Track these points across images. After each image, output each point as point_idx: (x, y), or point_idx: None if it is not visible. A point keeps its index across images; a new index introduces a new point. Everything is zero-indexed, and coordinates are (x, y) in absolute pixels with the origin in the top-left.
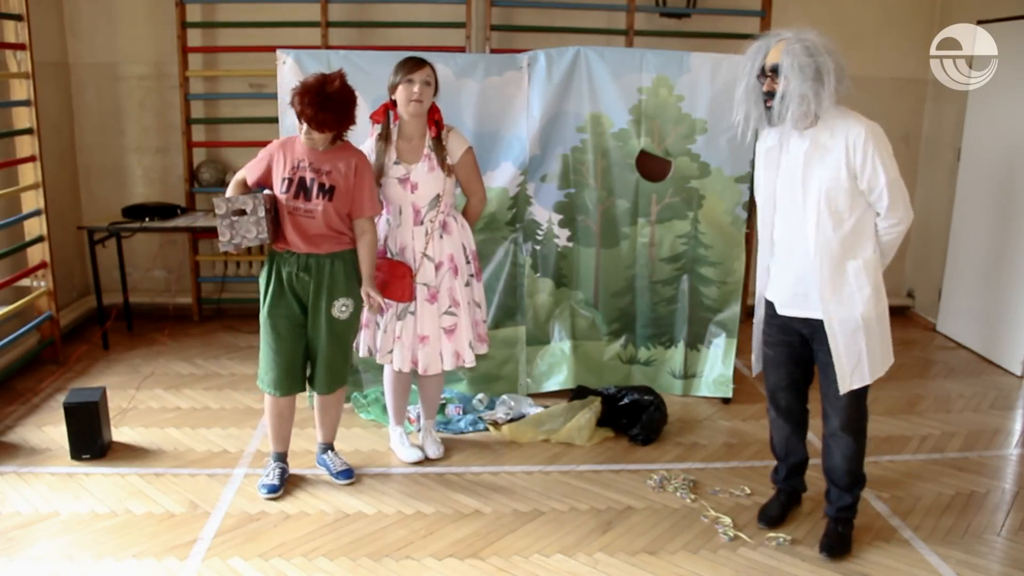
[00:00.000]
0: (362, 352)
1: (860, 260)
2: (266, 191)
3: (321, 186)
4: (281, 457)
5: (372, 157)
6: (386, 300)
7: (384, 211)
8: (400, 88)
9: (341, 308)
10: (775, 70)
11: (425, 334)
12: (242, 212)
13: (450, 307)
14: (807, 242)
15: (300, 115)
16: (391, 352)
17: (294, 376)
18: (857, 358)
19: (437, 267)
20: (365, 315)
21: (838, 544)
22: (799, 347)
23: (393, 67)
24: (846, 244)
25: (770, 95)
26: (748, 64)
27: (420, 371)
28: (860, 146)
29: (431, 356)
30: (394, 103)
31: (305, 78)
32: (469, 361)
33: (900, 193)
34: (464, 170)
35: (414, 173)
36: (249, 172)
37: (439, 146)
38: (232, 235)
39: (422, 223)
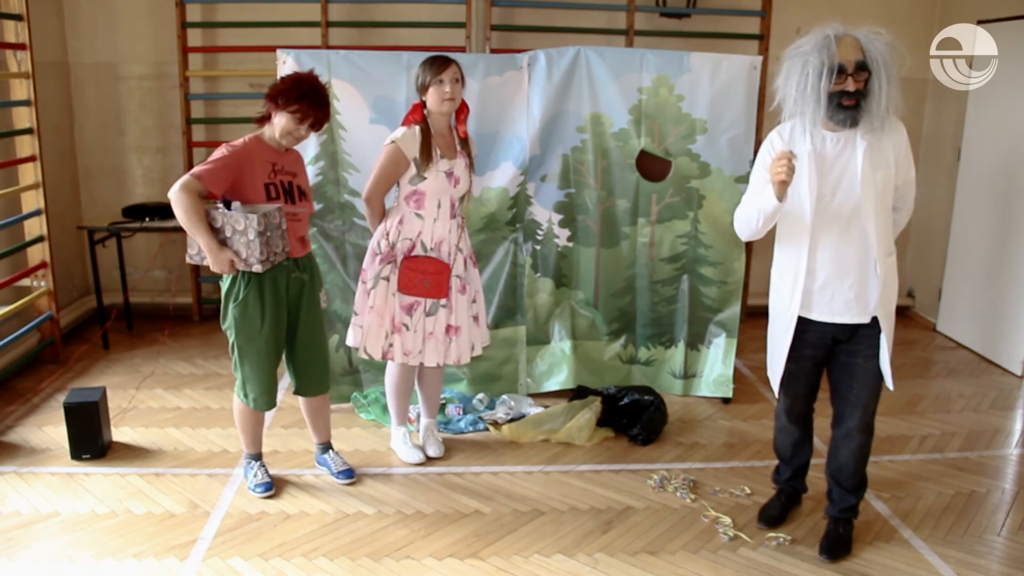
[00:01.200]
0: (397, 359)
1: (894, 256)
2: (236, 202)
3: (299, 188)
4: (259, 457)
5: (414, 152)
6: (417, 298)
7: (415, 207)
8: (432, 89)
9: (324, 299)
10: (863, 67)
11: (458, 325)
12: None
13: (474, 297)
14: (866, 243)
15: (306, 115)
16: (421, 352)
17: (276, 386)
18: (891, 351)
19: (465, 260)
20: (396, 319)
21: (838, 546)
22: (824, 357)
23: (419, 67)
24: (889, 240)
25: (855, 94)
26: (817, 61)
27: (452, 361)
28: (903, 145)
29: (463, 346)
30: (423, 102)
31: (295, 76)
32: (486, 340)
33: None
34: (472, 170)
35: (456, 168)
36: (212, 182)
37: (466, 144)
38: (268, 252)
39: (455, 217)
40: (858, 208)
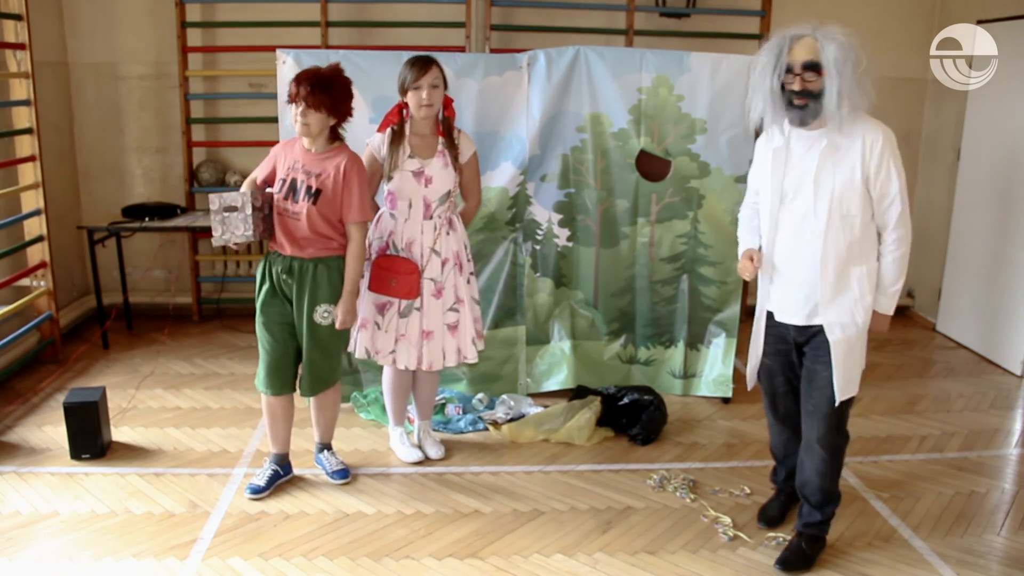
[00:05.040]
0: (359, 354)
1: (865, 267)
2: (268, 189)
3: (308, 189)
4: (278, 459)
5: (383, 151)
6: (390, 298)
7: (389, 206)
8: (410, 94)
9: (323, 314)
10: (812, 67)
11: (430, 329)
12: (233, 208)
13: (454, 304)
14: (815, 245)
15: (294, 97)
16: (393, 352)
17: (283, 376)
18: (854, 367)
19: (443, 263)
20: (362, 315)
21: (796, 559)
22: (792, 355)
23: (402, 66)
24: (853, 250)
25: (803, 94)
26: (769, 61)
27: (424, 367)
28: (877, 150)
29: (435, 352)
30: (405, 102)
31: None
32: (472, 357)
33: (907, 204)
34: (470, 171)
35: (429, 168)
36: (260, 171)
37: (452, 144)
38: (223, 231)
39: (431, 218)
40: (810, 206)
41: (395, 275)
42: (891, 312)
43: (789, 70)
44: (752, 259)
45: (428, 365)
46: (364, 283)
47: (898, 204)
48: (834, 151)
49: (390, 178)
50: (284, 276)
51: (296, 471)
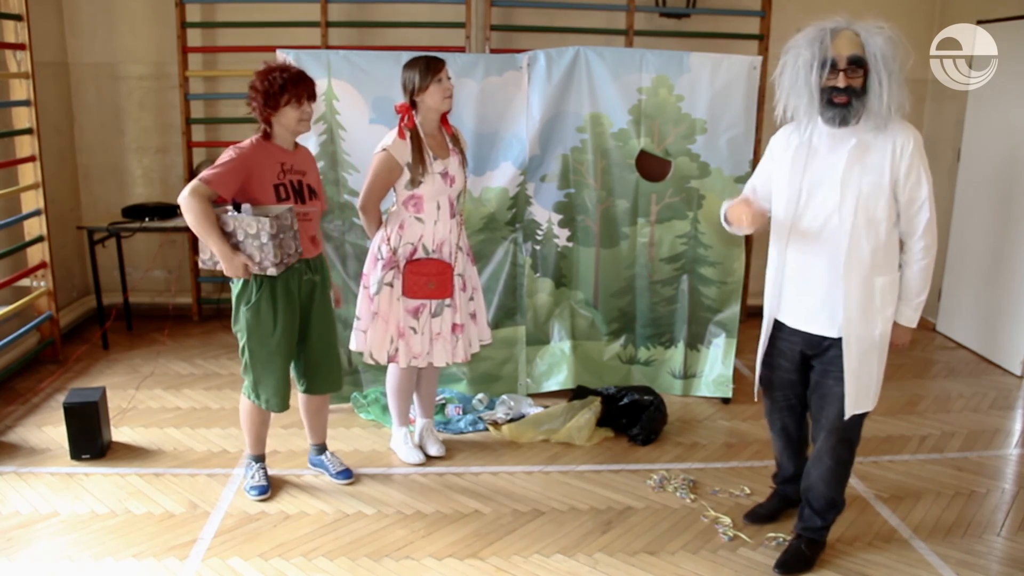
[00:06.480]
0: (402, 363)
1: (887, 278)
2: (246, 205)
3: (309, 188)
4: (261, 459)
5: (407, 158)
6: (423, 301)
7: (414, 211)
8: (433, 88)
9: (333, 298)
10: (856, 62)
11: (461, 322)
12: (284, 226)
13: (472, 292)
14: (838, 250)
15: (299, 93)
16: (429, 353)
17: (289, 388)
18: (868, 380)
19: (464, 256)
20: (402, 324)
21: (795, 562)
22: (794, 374)
23: (408, 70)
24: (877, 257)
25: (846, 91)
26: (805, 54)
27: (460, 359)
28: (908, 153)
29: (465, 343)
30: (412, 104)
31: (261, 76)
32: (487, 337)
33: (935, 212)
34: (465, 166)
35: (450, 167)
36: (221, 186)
37: (457, 141)
38: (281, 255)
39: (454, 215)
40: (834, 213)
41: (431, 277)
42: (915, 324)
43: (834, 65)
44: (747, 203)
45: (464, 357)
46: (395, 291)
47: (927, 210)
48: (864, 151)
49: (420, 183)
50: (313, 277)
51: (296, 472)
